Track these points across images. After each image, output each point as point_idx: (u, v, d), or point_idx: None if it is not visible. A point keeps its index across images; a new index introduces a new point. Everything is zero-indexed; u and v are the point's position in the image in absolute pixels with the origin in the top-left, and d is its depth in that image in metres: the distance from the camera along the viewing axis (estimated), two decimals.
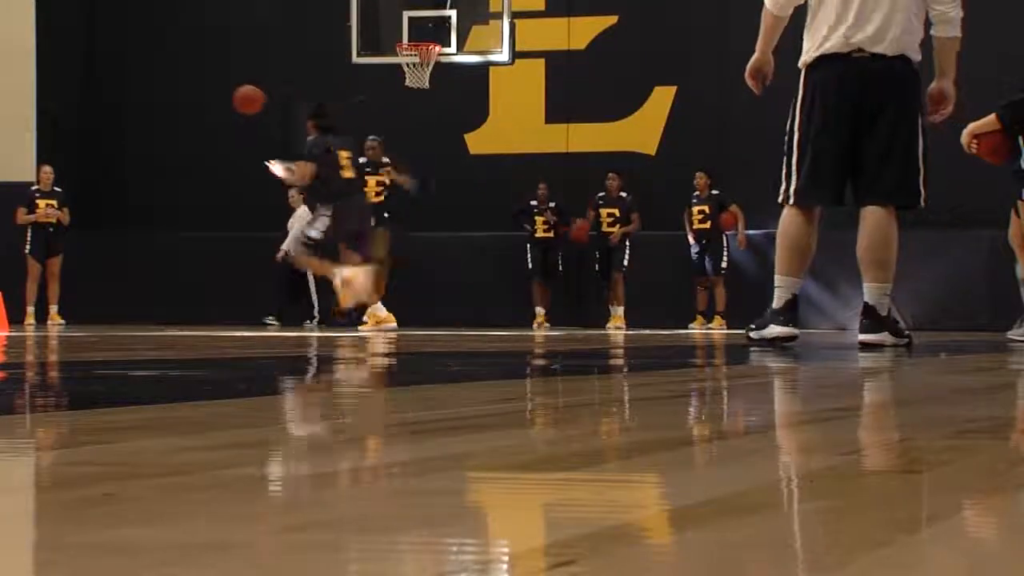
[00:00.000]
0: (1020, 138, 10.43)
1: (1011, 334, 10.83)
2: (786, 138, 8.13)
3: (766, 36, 8.22)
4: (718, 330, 17.19)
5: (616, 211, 19.10)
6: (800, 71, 8.06)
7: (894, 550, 1.30)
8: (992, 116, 10.35)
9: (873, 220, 7.94)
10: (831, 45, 7.88)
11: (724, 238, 18.66)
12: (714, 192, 18.67)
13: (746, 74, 8.32)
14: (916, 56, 7.94)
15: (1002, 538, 1.45)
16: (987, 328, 14.55)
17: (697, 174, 18.68)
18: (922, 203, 8.01)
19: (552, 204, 19.27)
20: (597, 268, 19.12)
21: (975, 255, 17.63)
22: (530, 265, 19.20)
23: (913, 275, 17.78)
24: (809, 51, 7.98)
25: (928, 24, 8.02)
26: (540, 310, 19.09)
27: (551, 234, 19.28)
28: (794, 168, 8.04)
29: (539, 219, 19.26)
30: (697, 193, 18.76)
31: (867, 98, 7.87)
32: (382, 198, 17.77)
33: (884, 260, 7.93)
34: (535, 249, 19.23)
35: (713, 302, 18.70)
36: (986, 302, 16.99)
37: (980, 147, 10.38)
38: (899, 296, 17.84)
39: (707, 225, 18.67)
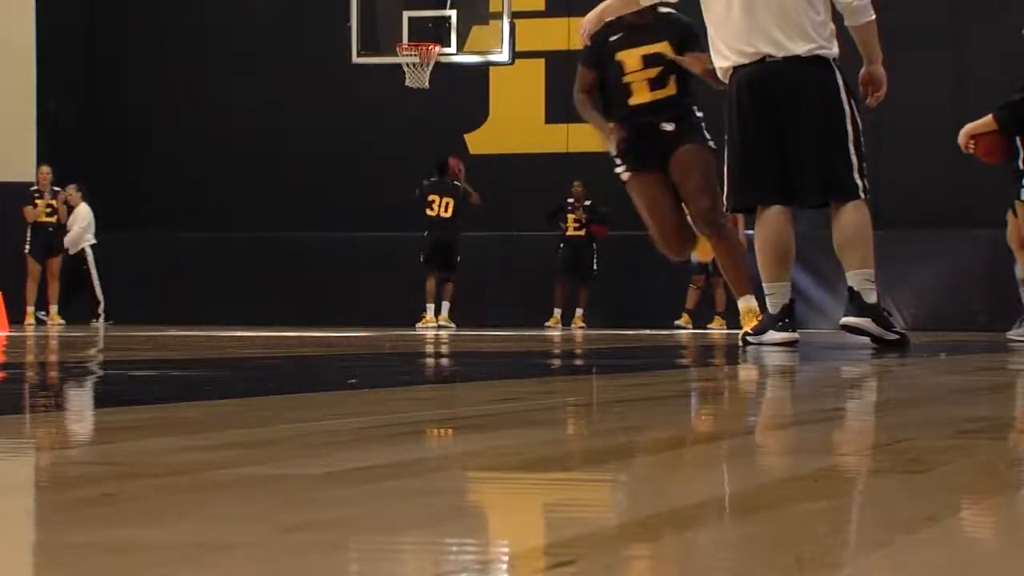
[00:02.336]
0: (1017, 138, 10.43)
1: (1011, 334, 10.83)
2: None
3: (615, 2, 8.73)
4: (718, 330, 17.18)
5: (582, 216, 19.20)
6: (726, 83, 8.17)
7: (894, 550, 1.30)
8: (989, 117, 10.35)
9: (842, 211, 7.97)
10: (739, 56, 7.97)
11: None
12: (587, 203, 18.81)
13: (582, 26, 8.92)
14: (830, 52, 7.97)
15: (1002, 538, 1.45)
16: (987, 328, 14.55)
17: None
18: (862, 195, 7.97)
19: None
20: (560, 270, 19.14)
21: (975, 255, 17.63)
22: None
23: (913, 275, 17.81)
24: (723, 67, 8.10)
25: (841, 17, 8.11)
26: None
27: (582, 232, 19.25)
28: (725, 176, 8.20)
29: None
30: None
31: (784, 100, 7.93)
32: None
33: (859, 246, 7.93)
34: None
35: (709, 301, 18.68)
36: (986, 302, 17.00)
37: (977, 147, 10.37)
38: (899, 296, 17.88)
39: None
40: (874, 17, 8.06)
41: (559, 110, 20.21)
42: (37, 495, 1.75)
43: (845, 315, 7.97)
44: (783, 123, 7.94)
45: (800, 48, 7.88)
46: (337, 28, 18.75)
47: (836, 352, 8.25)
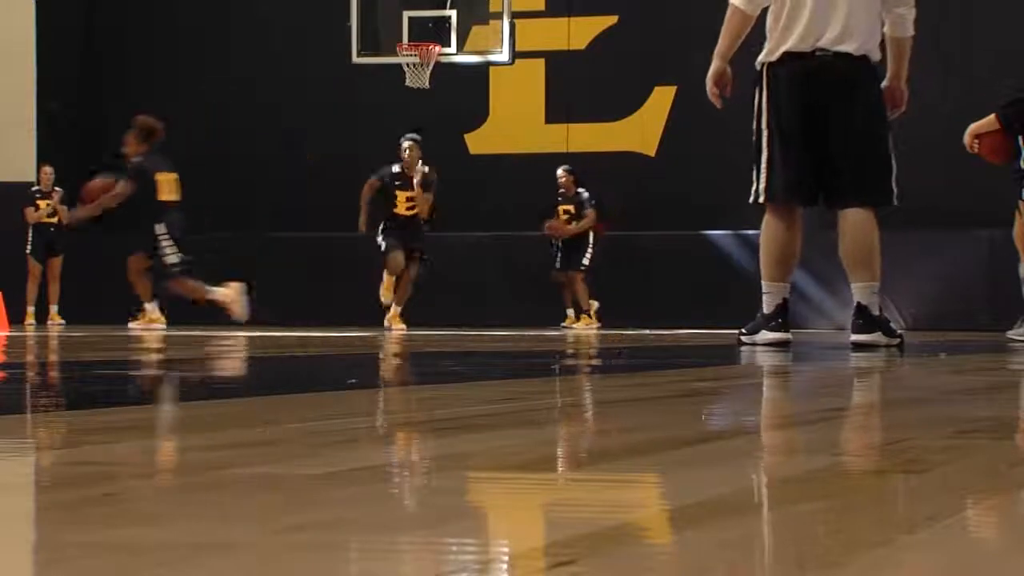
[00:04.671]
0: (1020, 138, 10.43)
1: (1011, 334, 10.83)
2: (754, 138, 8.14)
3: (729, 39, 8.11)
4: (586, 329, 17.18)
5: (572, 208, 18.95)
6: (759, 69, 8.06)
7: (894, 550, 1.30)
8: (992, 116, 10.36)
9: (852, 220, 7.90)
10: (793, 43, 7.87)
11: (589, 236, 18.71)
12: (579, 191, 18.73)
13: (708, 86, 8.23)
14: (877, 56, 7.96)
15: (1002, 538, 1.45)
16: (987, 328, 14.55)
17: (561, 172, 18.70)
18: (895, 201, 7.97)
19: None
20: (557, 266, 19.02)
21: (975, 255, 17.64)
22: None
23: (913, 275, 17.81)
24: (771, 49, 7.96)
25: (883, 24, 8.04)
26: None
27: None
28: (763, 167, 8.04)
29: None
30: (563, 191, 18.78)
31: (831, 98, 7.86)
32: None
33: (868, 259, 7.89)
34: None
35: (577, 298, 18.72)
36: (986, 302, 16.99)
37: (981, 147, 10.39)
38: (899, 296, 17.87)
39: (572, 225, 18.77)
40: (914, 33, 8.04)
41: (559, 110, 20.23)
42: (37, 495, 1.75)
43: (854, 331, 7.93)
44: (830, 121, 7.86)
45: (855, 48, 7.82)
46: (337, 28, 18.75)
47: (834, 352, 8.25)
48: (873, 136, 7.93)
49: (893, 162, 7.96)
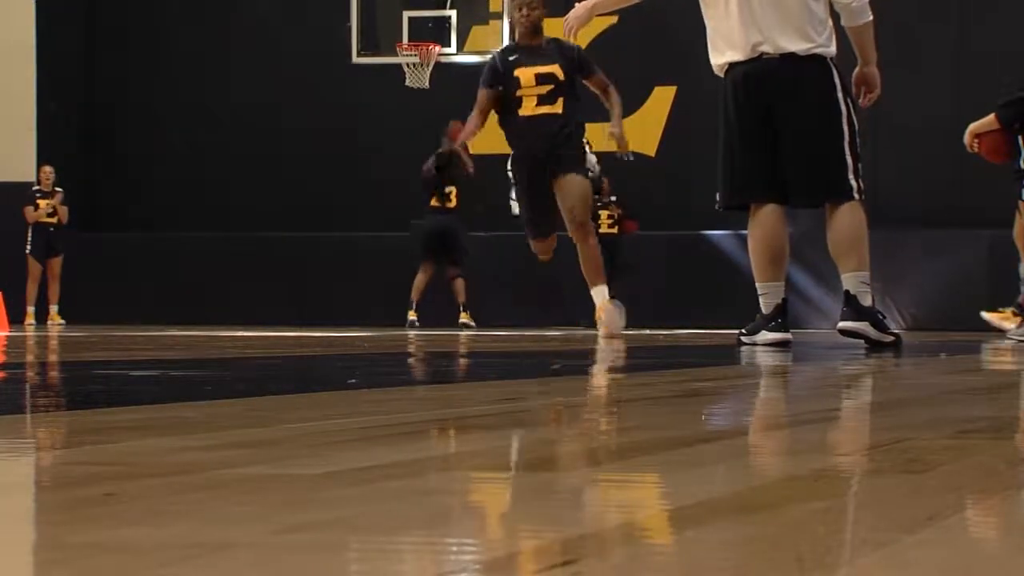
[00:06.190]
0: (1020, 137, 10.44)
1: (1011, 334, 10.83)
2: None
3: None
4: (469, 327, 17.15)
5: (615, 213, 19.08)
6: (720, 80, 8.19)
7: (894, 550, 1.30)
8: (992, 116, 10.37)
9: (836, 213, 7.94)
10: (736, 53, 7.94)
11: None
12: (613, 199, 18.83)
13: (568, 16, 9.10)
14: (828, 50, 7.95)
15: (1002, 538, 1.45)
16: (987, 328, 14.56)
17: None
18: (856, 195, 7.95)
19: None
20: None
21: (975, 255, 17.63)
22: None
23: (913, 275, 17.81)
24: (719, 63, 8.08)
25: (838, 16, 8.08)
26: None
27: (615, 230, 19.15)
28: (720, 175, 8.17)
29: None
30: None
31: (778, 99, 7.90)
32: None
33: (853, 248, 7.90)
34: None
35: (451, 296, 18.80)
36: (986, 302, 17.00)
37: (981, 146, 10.40)
38: (899, 296, 17.88)
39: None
40: (871, 18, 8.05)
41: None
42: (37, 495, 1.75)
43: (842, 319, 7.96)
44: (777, 122, 7.93)
45: (797, 46, 7.86)
46: (337, 28, 18.75)
47: (835, 352, 8.25)
48: (824, 134, 7.92)
49: (849, 157, 7.92)
